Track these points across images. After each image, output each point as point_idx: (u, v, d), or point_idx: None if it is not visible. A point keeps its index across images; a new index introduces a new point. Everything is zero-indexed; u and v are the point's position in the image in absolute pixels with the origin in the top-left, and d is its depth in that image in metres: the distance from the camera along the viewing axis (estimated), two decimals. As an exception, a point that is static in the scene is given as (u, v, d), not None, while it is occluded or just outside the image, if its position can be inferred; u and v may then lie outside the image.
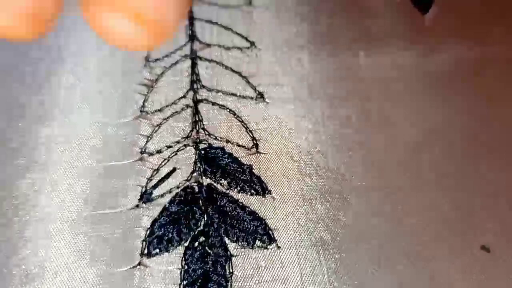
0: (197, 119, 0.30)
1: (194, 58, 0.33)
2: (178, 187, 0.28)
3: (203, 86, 0.32)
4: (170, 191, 0.28)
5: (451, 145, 0.31)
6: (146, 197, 0.27)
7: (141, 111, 0.31)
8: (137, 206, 0.27)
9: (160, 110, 0.31)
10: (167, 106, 0.31)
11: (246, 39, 0.34)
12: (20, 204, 0.28)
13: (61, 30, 0.34)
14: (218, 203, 0.28)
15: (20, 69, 0.32)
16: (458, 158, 0.30)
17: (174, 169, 0.28)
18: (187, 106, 0.31)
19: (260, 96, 0.32)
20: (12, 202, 0.28)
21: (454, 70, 0.34)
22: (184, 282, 0.26)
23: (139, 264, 0.26)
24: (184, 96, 0.31)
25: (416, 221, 0.28)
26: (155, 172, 0.28)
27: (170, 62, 0.33)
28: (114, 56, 0.33)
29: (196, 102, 0.31)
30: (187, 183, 0.28)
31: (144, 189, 0.28)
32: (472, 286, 0.26)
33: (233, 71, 0.33)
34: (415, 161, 0.30)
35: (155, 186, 0.28)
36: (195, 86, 0.32)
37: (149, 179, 0.28)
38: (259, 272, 0.26)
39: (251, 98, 0.32)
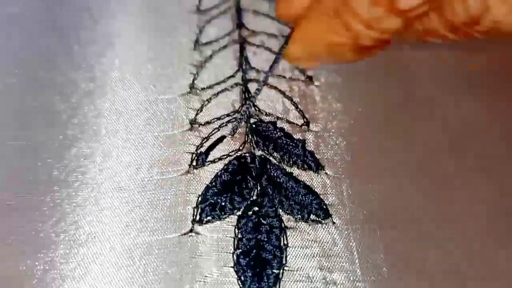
0: (246, 96, 0.30)
1: (242, 43, 0.33)
2: (228, 155, 0.27)
3: (252, 68, 0.31)
4: (220, 158, 0.27)
5: (488, 140, 0.30)
6: (199, 161, 0.27)
7: (190, 87, 0.30)
8: (188, 172, 0.27)
9: (209, 87, 0.31)
10: (216, 83, 0.31)
11: (293, 28, 0.34)
12: (70, 171, 0.27)
13: (110, 17, 0.35)
14: (271, 174, 0.27)
15: (71, 51, 0.33)
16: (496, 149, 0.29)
17: (222, 137, 0.28)
18: (236, 84, 0.31)
19: (309, 79, 0.31)
20: (62, 169, 0.27)
21: (497, 70, 0.33)
22: (238, 251, 0.24)
23: (191, 231, 0.25)
24: (233, 76, 0.31)
25: (464, 206, 0.27)
26: (205, 140, 0.28)
27: (219, 46, 0.33)
28: (163, 40, 0.33)
29: (246, 81, 0.31)
30: (239, 152, 0.27)
31: (194, 155, 0.27)
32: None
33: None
34: (457, 147, 0.29)
35: (206, 152, 0.27)
36: (243, 67, 0.31)
37: (199, 146, 0.28)
38: (312, 247, 0.25)
39: (300, 80, 0.31)
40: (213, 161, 0.27)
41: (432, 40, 0.23)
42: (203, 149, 0.27)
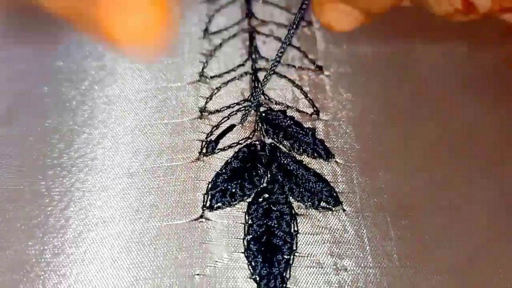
0: (256, 84, 0.30)
1: (252, 32, 0.33)
2: (238, 143, 0.27)
3: (262, 57, 0.31)
4: (230, 146, 0.27)
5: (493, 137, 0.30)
6: (209, 148, 0.27)
7: (200, 75, 0.30)
8: (198, 159, 0.27)
9: (219, 76, 0.30)
10: (226, 72, 0.31)
11: (303, 19, 0.34)
12: (79, 157, 0.27)
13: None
14: (281, 162, 0.27)
15: (81, 39, 0.32)
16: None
17: (232, 125, 0.28)
18: (246, 73, 0.31)
19: (319, 69, 0.31)
20: (71, 154, 0.27)
21: (500, 70, 0.33)
22: (248, 237, 0.24)
23: (201, 217, 0.25)
24: (243, 64, 0.31)
25: (475, 196, 0.27)
26: (215, 128, 0.28)
27: (229, 35, 0.33)
28: (173, 29, 0.33)
29: (255, 70, 0.31)
30: (249, 140, 0.27)
31: (204, 143, 0.27)
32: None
33: (291, 45, 0.32)
34: (468, 140, 0.29)
35: (216, 140, 0.27)
36: (253, 56, 0.31)
37: (209, 134, 0.28)
38: (322, 233, 0.25)
39: (310, 70, 0.31)
40: (223, 149, 0.27)
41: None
42: (213, 137, 0.27)
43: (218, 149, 0.27)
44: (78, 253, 0.24)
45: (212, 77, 0.30)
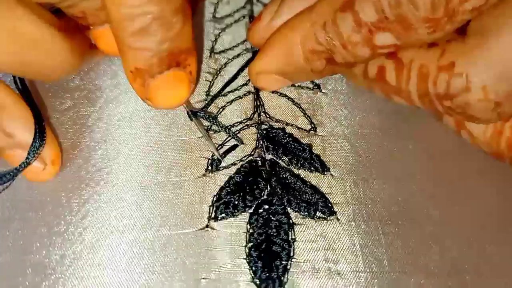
0: (258, 103, 0.32)
1: (255, 51, 0.35)
2: (241, 160, 0.30)
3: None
4: (234, 164, 0.29)
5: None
6: (213, 166, 0.29)
7: (206, 95, 0.33)
8: (204, 175, 0.29)
9: (224, 95, 0.33)
10: (230, 91, 0.33)
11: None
12: (96, 171, 0.30)
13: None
14: (280, 176, 0.29)
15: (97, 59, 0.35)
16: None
17: (236, 144, 0.30)
18: (249, 92, 0.33)
19: (317, 87, 0.34)
20: (88, 169, 0.30)
21: None
22: (250, 244, 0.27)
23: (207, 226, 0.27)
24: (246, 84, 0.33)
25: (463, 206, 0.29)
26: (220, 147, 0.30)
27: (233, 55, 0.35)
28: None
29: (257, 89, 0.33)
30: (251, 157, 0.30)
31: (210, 160, 0.29)
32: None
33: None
34: (458, 151, 0.31)
35: (221, 157, 0.29)
36: (256, 76, 0.34)
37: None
38: (318, 241, 0.27)
39: (309, 88, 0.33)
40: (227, 167, 0.29)
41: (396, 99, 0.26)
42: (216, 156, 0.30)
43: (222, 167, 0.29)
44: (95, 258, 0.27)
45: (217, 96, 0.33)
